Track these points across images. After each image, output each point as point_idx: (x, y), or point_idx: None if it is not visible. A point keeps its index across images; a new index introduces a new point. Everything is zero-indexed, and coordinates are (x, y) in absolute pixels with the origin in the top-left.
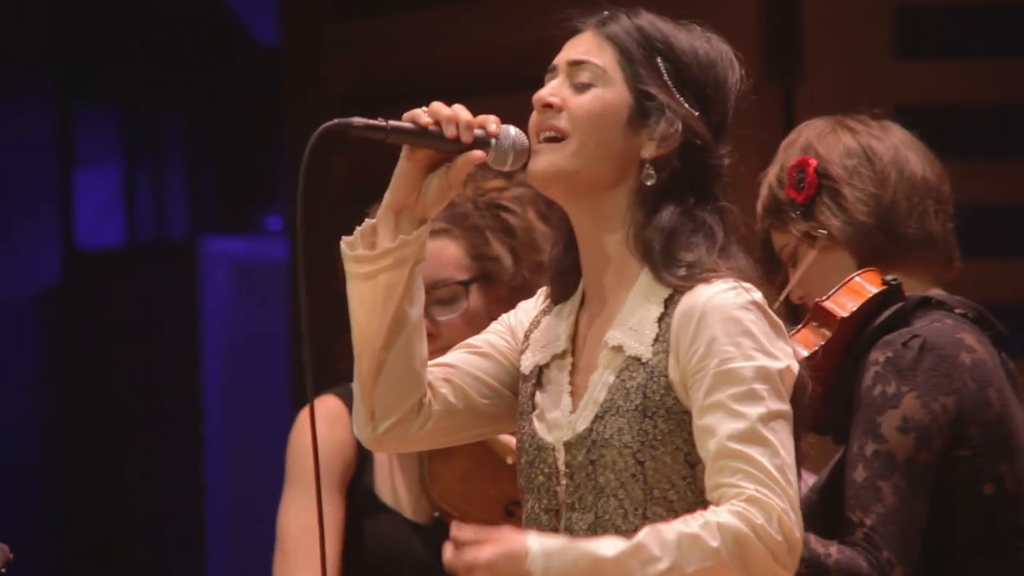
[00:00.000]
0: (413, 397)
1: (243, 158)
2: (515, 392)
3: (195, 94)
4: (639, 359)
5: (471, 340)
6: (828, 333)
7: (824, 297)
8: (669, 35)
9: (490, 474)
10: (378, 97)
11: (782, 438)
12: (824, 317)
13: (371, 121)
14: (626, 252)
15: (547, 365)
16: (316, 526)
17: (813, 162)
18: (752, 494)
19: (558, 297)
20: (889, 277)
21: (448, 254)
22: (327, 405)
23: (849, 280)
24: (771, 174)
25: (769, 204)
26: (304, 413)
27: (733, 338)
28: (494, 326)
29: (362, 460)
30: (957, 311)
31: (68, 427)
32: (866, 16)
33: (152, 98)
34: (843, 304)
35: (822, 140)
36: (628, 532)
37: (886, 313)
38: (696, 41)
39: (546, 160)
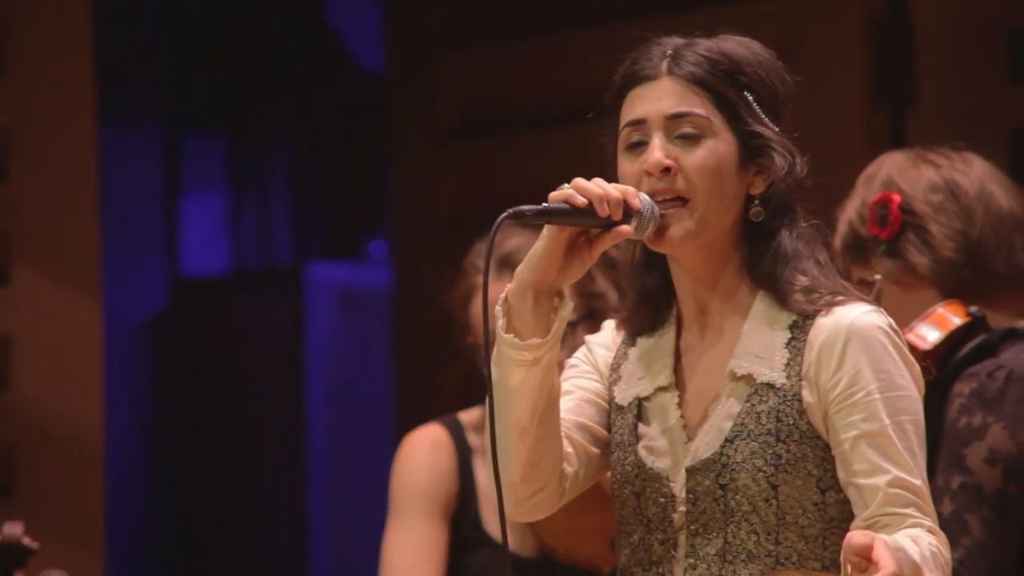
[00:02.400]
0: (560, 465)
1: (348, 185)
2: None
3: (301, 122)
4: (771, 385)
5: (564, 386)
6: None
7: (906, 329)
8: (740, 61)
9: (595, 506)
10: (483, 126)
11: (925, 467)
12: None
13: (537, 207)
14: (737, 280)
15: (648, 398)
16: (420, 559)
17: (897, 198)
18: (932, 526)
19: (644, 328)
20: (972, 308)
21: None
22: (431, 433)
23: (932, 312)
24: (850, 209)
25: (850, 240)
26: (407, 441)
27: (883, 364)
28: (577, 368)
29: (465, 491)
30: None
31: (174, 453)
32: (979, 40)
33: (258, 126)
34: (925, 336)
35: (904, 175)
36: (760, 556)
37: (970, 344)
38: (752, 56)
39: (679, 228)
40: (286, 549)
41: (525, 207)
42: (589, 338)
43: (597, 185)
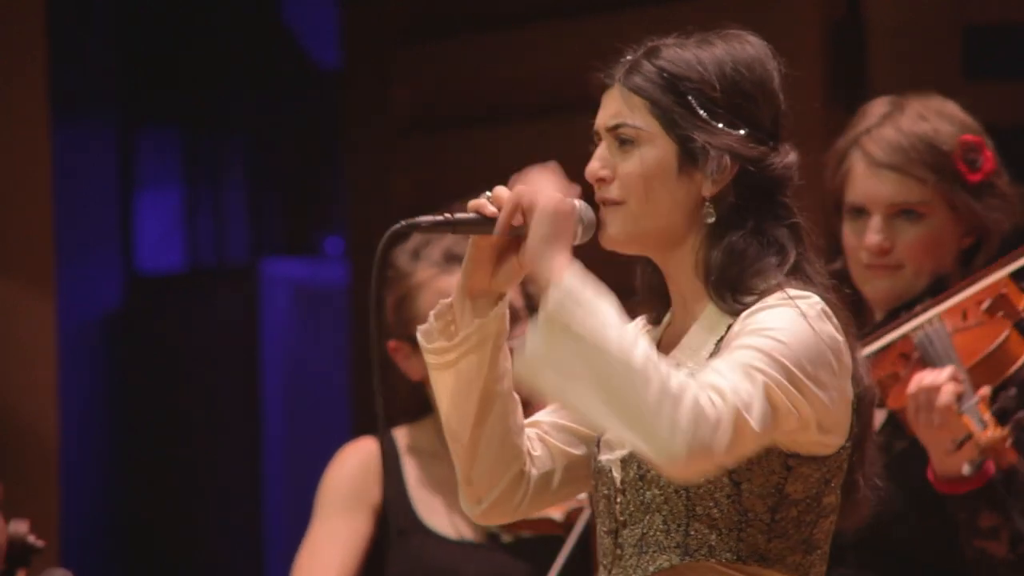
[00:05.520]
0: (513, 468)
1: (304, 182)
2: None
3: (256, 118)
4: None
5: None
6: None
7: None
8: (693, 65)
9: None
10: (440, 121)
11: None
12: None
13: (436, 218)
14: (700, 284)
15: None
16: (328, 548)
17: (989, 152)
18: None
19: (653, 321)
20: None
21: None
22: (357, 443)
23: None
24: (923, 127)
25: (931, 159)
26: (339, 453)
27: (768, 314)
28: None
29: (393, 490)
30: None
31: (130, 450)
32: (933, 37)
33: (213, 122)
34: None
35: (975, 127)
36: (669, 547)
37: None
38: (721, 57)
39: (612, 228)
40: (242, 545)
41: (421, 218)
42: None
43: (515, 193)
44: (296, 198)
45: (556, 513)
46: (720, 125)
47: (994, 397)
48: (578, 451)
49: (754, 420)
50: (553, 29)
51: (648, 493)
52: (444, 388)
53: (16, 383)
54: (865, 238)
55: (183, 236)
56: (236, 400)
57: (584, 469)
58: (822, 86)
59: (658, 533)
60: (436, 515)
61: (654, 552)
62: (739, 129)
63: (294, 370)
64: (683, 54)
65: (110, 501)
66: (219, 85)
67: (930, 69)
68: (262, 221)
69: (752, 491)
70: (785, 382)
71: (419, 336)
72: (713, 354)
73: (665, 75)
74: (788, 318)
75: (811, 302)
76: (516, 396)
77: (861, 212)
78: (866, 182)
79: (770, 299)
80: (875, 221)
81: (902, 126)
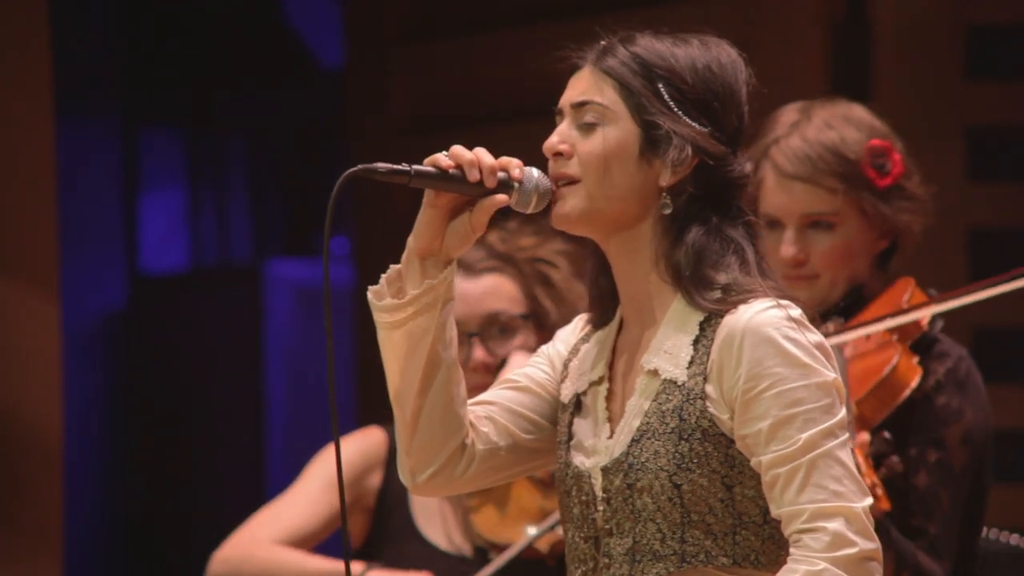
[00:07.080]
0: (455, 440)
1: (307, 182)
2: (556, 424)
3: (259, 118)
4: (675, 382)
5: (510, 376)
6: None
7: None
8: (667, 56)
9: (520, 490)
10: (442, 120)
11: (838, 453)
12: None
13: (394, 166)
14: (659, 279)
15: (584, 393)
16: (292, 515)
17: (897, 155)
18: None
19: (597, 323)
20: (932, 291)
21: (506, 289)
22: (367, 431)
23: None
24: (829, 135)
25: (839, 168)
26: (349, 434)
27: (777, 359)
28: (533, 359)
29: (393, 488)
30: None
31: (133, 450)
32: (936, 36)
33: (216, 122)
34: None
35: (883, 131)
36: (666, 555)
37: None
38: (695, 54)
39: (565, 205)
40: None
41: (379, 164)
42: (559, 332)
43: (473, 152)
44: (299, 198)
45: (534, 530)
46: (686, 117)
47: (873, 434)
48: (528, 436)
49: (858, 497)
50: (553, 29)
51: (639, 502)
52: (392, 350)
53: (19, 383)
54: (780, 250)
55: (186, 236)
56: (239, 401)
57: (531, 454)
58: (824, 86)
59: (653, 542)
60: (432, 523)
61: (649, 561)
62: (704, 125)
63: (297, 371)
64: (658, 45)
65: (112, 500)
66: (222, 85)
67: (932, 69)
68: (265, 221)
69: (745, 495)
70: (834, 429)
71: (369, 296)
72: (692, 362)
73: (639, 60)
74: (794, 366)
75: (797, 313)
76: (459, 367)
77: (775, 223)
78: (776, 194)
79: (759, 317)
80: (788, 233)
81: (808, 135)
